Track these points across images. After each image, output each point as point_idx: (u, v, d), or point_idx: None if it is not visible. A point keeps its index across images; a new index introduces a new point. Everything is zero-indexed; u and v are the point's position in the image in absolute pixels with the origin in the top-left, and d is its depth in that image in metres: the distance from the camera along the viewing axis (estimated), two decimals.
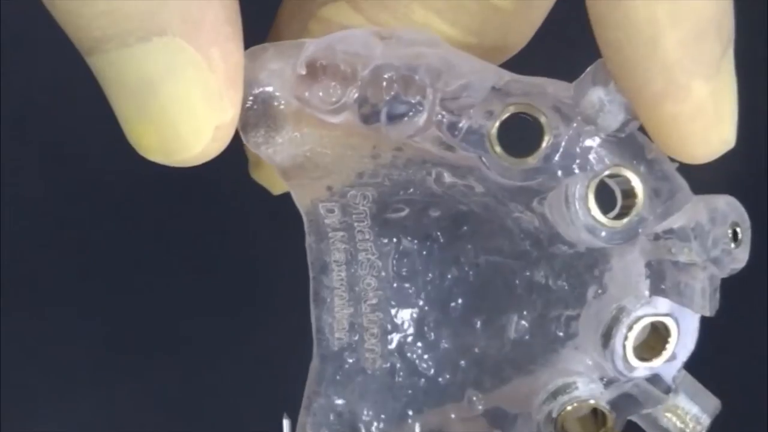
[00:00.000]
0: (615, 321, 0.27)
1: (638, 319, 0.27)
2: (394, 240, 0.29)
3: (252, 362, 0.55)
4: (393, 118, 0.27)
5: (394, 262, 0.29)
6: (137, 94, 0.25)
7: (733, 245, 0.27)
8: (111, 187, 0.55)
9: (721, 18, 0.25)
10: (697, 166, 0.27)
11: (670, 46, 0.24)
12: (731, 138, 0.26)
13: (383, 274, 0.29)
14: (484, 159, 0.27)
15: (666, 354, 0.27)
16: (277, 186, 0.33)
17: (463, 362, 0.30)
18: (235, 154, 0.50)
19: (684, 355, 0.28)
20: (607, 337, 0.27)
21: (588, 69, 0.27)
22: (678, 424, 0.29)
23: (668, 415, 0.29)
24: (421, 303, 0.30)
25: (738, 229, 0.27)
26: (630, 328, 0.27)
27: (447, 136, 0.27)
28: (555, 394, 0.28)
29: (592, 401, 0.28)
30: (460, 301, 0.30)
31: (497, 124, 0.26)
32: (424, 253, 0.30)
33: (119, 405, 0.56)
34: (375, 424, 0.30)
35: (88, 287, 0.55)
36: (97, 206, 0.55)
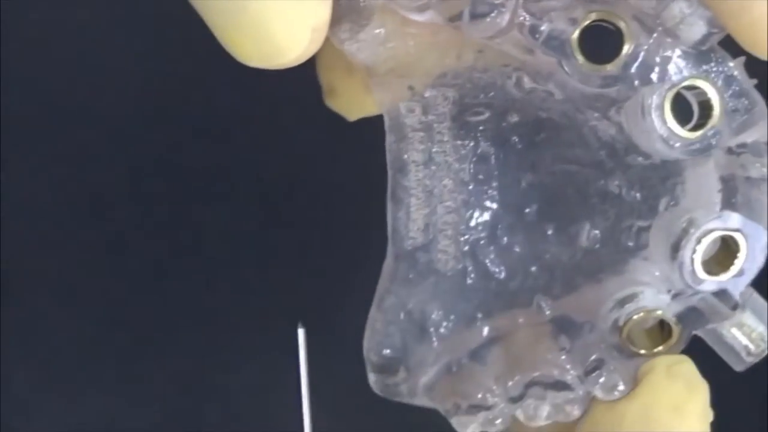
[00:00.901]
0: (684, 233, 0.27)
1: (708, 232, 0.27)
2: (472, 143, 0.30)
3: (252, 363, 0.54)
4: (475, 16, 0.27)
5: (472, 164, 0.30)
6: (229, 7, 0.25)
7: None
8: (111, 187, 0.54)
9: None
10: None
11: None
12: None
13: (460, 176, 0.30)
14: (564, 64, 0.27)
15: (734, 269, 0.27)
16: (353, 111, 0.33)
17: (534, 268, 0.30)
18: (235, 157, 0.50)
19: (752, 271, 0.28)
20: (675, 249, 0.27)
21: None
22: (743, 340, 0.29)
23: (734, 331, 0.29)
24: (495, 207, 0.30)
25: None
26: (699, 241, 0.27)
27: (528, 39, 0.27)
28: (622, 303, 0.28)
29: (658, 312, 0.28)
30: (534, 207, 0.30)
31: (579, 30, 0.26)
32: (501, 157, 0.30)
33: (119, 405, 0.55)
34: (444, 324, 0.30)
35: (88, 288, 0.55)
36: (96, 206, 0.55)
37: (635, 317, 0.28)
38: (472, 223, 0.30)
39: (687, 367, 0.28)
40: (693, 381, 0.27)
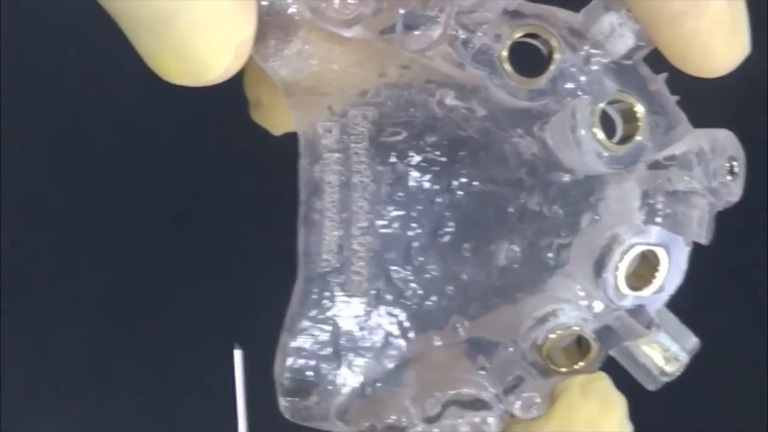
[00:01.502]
0: (608, 249, 0.28)
1: (631, 247, 0.27)
2: (390, 163, 0.30)
3: (252, 363, 0.54)
4: (409, 28, 0.27)
5: (388, 185, 0.30)
6: (155, 27, 0.25)
7: (729, 178, 0.28)
8: (111, 188, 0.55)
9: None
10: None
11: None
12: (746, 45, 0.27)
13: (376, 197, 0.29)
14: (492, 78, 0.27)
15: (655, 284, 0.28)
16: (277, 126, 0.33)
17: (449, 288, 0.30)
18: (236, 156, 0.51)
19: (671, 288, 0.28)
20: (599, 265, 0.28)
21: None
22: (656, 360, 0.29)
23: (647, 350, 0.29)
24: (411, 228, 0.30)
25: (734, 163, 0.28)
26: (622, 256, 0.27)
27: (459, 52, 0.27)
28: (541, 321, 0.28)
29: (576, 328, 0.28)
30: (450, 227, 0.30)
31: (508, 43, 0.27)
32: (418, 177, 0.30)
33: (119, 406, 0.55)
34: (356, 347, 0.30)
35: (88, 288, 0.55)
36: (97, 207, 0.55)
37: (553, 335, 0.28)
38: (387, 245, 0.30)
39: (602, 384, 0.28)
40: (608, 397, 0.27)
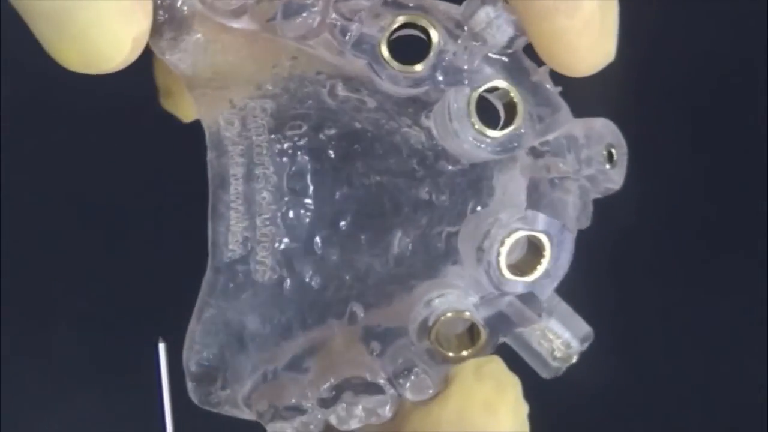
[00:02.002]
0: (488, 234, 0.28)
1: (511, 232, 0.28)
2: (290, 155, 0.30)
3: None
4: (287, 15, 0.28)
5: (289, 177, 0.30)
6: (55, 20, 0.27)
7: (608, 165, 0.28)
8: (111, 187, 0.56)
9: None
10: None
11: None
12: (613, 51, 0.27)
13: (278, 188, 0.30)
14: (373, 66, 0.28)
15: (539, 270, 0.28)
16: (187, 114, 0.34)
17: (347, 277, 0.30)
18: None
19: (558, 274, 0.28)
20: (481, 250, 0.28)
21: None
22: (548, 346, 0.29)
23: (539, 336, 0.29)
24: (311, 218, 0.30)
25: (613, 151, 0.29)
26: (503, 242, 0.28)
27: (338, 40, 0.28)
28: (429, 304, 0.29)
29: (466, 313, 0.28)
30: (348, 218, 0.30)
31: (387, 32, 0.27)
32: (318, 169, 0.30)
33: (119, 406, 0.56)
34: (261, 334, 0.31)
35: (88, 288, 0.56)
36: (97, 206, 0.56)
37: (443, 318, 0.28)
38: (289, 235, 0.30)
39: (495, 366, 0.28)
40: (502, 379, 0.27)
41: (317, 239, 0.30)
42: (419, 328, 0.28)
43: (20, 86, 0.55)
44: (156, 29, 0.29)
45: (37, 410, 0.56)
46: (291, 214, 0.30)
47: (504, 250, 0.27)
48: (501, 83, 0.27)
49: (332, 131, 0.30)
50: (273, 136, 0.30)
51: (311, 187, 0.30)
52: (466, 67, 0.28)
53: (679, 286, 0.56)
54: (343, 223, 0.30)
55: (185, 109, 0.34)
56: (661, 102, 0.54)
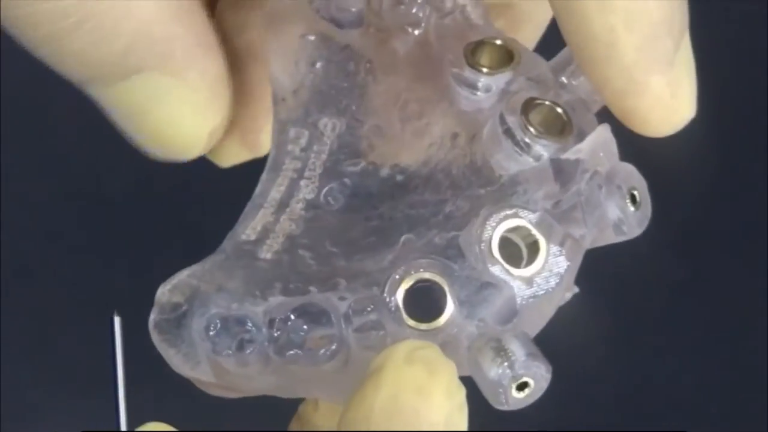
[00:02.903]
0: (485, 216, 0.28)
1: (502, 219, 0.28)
2: (335, 180, 0.31)
3: None
4: None
5: (327, 195, 0.31)
6: (131, 118, 0.28)
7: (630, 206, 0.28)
8: (111, 187, 0.56)
9: (673, 15, 0.27)
10: None
11: (627, 50, 0.26)
12: (690, 114, 0.28)
13: (314, 200, 0.31)
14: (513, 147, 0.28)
15: (530, 267, 0.28)
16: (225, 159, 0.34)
17: (342, 263, 0.30)
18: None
19: (543, 283, 0.28)
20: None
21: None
22: (495, 372, 0.28)
23: (490, 361, 0.28)
24: (332, 226, 0.31)
25: (635, 193, 0.28)
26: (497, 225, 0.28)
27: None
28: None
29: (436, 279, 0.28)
30: (363, 243, 0.30)
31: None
32: (353, 199, 0.31)
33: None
34: (237, 291, 0.30)
35: (88, 288, 0.56)
36: (97, 206, 0.56)
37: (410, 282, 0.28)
38: (304, 233, 0.31)
39: (427, 351, 0.27)
40: (434, 362, 0.27)
41: (329, 238, 0.31)
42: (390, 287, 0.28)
43: (20, 86, 0.55)
44: None
45: (37, 410, 0.56)
46: (314, 220, 0.31)
47: (495, 236, 0.27)
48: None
49: (386, 171, 0.31)
50: (332, 158, 0.31)
51: (340, 206, 0.31)
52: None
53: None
54: (354, 235, 0.31)
55: (223, 156, 0.34)
56: None
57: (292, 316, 0.28)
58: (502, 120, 0.28)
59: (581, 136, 0.28)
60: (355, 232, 0.30)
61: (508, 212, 0.27)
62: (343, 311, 0.28)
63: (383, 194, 0.31)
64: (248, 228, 0.31)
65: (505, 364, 0.27)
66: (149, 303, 0.55)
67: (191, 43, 0.28)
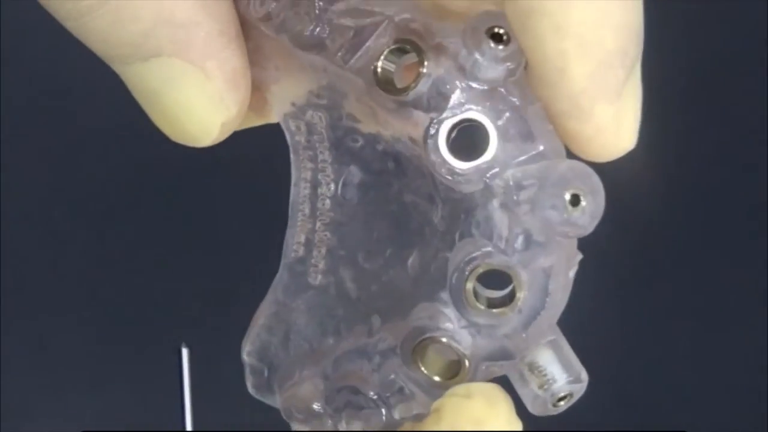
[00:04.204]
0: (459, 269, 0.28)
1: (477, 265, 0.28)
2: (346, 167, 0.31)
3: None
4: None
5: (344, 187, 0.31)
6: (149, 98, 0.29)
7: (569, 207, 0.28)
8: (111, 187, 0.56)
9: (627, 45, 0.27)
10: None
11: (577, 78, 0.26)
12: (631, 145, 0.28)
13: (335, 197, 0.31)
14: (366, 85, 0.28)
15: (511, 306, 0.28)
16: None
17: (374, 288, 0.31)
18: (236, 156, 0.51)
19: (531, 311, 0.28)
20: (455, 286, 0.28)
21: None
22: (537, 381, 0.29)
23: (528, 370, 0.29)
24: (359, 230, 0.31)
25: (579, 193, 0.27)
26: (471, 271, 0.28)
27: (340, 58, 0.28)
28: (417, 330, 0.29)
29: (444, 339, 0.29)
30: (385, 231, 0.31)
31: (383, 54, 0.28)
32: (365, 181, 0.31)
33: (119, 405, 0.56)
34: (304, 338, 0.32)
35: (88, 288, 0.56)
36: (97, 207, 0.57)
37: (430, 347, 0.29)
38: (339, 242, 0.32)
39: (486, 385, 0.28)
40: (492, 396, 0.28)
41: (359, 249, 0.32)
42: (407, 353, 0.29)
43: (20, 86, 0.55)
44: None
45: (37, 410, 0.56)
46: (344, 222, 0.32)
47: (470, 282, 0.28)
48: (475, 115, 0.27)
49: (380, 147, 0.31)
50: (333, 144, 0.31)
51: (361, 199, 0.31)
52: (447, 92, 0.27)
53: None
54: (381, 237, 0.31)
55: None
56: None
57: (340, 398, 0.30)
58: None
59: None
60: (378, 228, 0.31)
61: (478, 263, 0.28)
62: (376, 392, 0.30)
63: (390, 170, 0.31)
64: (295, 242, 0.32)
65: (545, 387, 0.28)
66: (149, 303, 0.55)
67: (213, 31, 0.28)
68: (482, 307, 0.28)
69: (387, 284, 0.31)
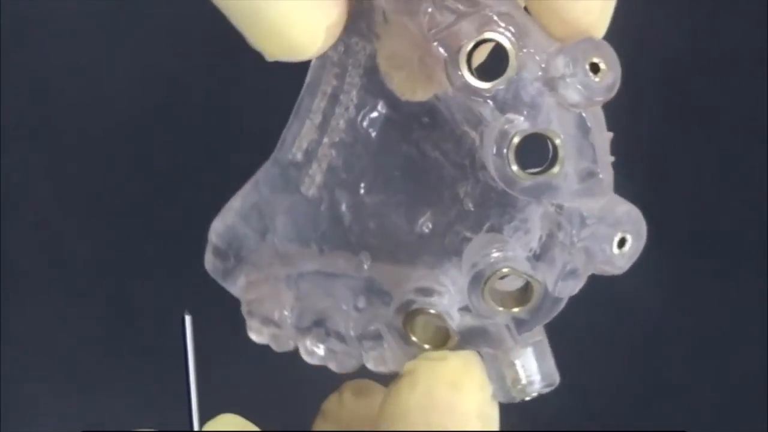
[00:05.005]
0: (485, 262, 0.29)
1: (499, 269, 0.29)
2: (374, 97, 0.31)
3: (253, 362, 0.55)
4: None
5: (365, 116, 0.32)
6: (251, 14, 0.28)
7: (616, 250, 0.29)
8: (111, 187, 0.56)
9: None
10: None
11: None
12: (601, 34, 0.28)
13: (353, 122, 0.31)
14: (449, 65, 0.28)
15: (521, 310, 0.29)
16: None
17: (372, 225, 0.32)
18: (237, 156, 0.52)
19: (536, 321, 0.30)
20: (476, 278, 0.29)
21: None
22: (512, 375, 0.30)
23: (508, 363, 0.30)
24: (368, 160, 0.32)
25: (627, 236, 0.29)
26: (492, 274, 0.29)
27: (426, 28, 0.28)
28: (418, 293, 0.30)
29: (432, 311, 0.29)
30: (398, 174, 0.32)
31: (472, 43, 0.28)
32: (392, 120, 0.31)
33: (119, 405, 0.56)
34: (280, 238, 0.32)
35: (88, 288, 0.56)
36: (97, 206, 0.57)
37: (420, 316, 0.29)
38: (344, 165, 0.32)
39: (461, 351, 0.29)
40: (467, 358, 0.28)
41: (364, 180, 0.32)
42: (397, 310, 0.30)
43: (20, 86, 0.55)
44: None
45: (38, 410, 0.56)
46: (354, 148, 0.32)
47: (491, 282, 0.28)
48: (548, 132, 0.28)
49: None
50: (367, 74, 0.31)
51: (380, 133, 0.31)
52: (528, 101, 0.28)
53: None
54: (390, 176, 0.32)
55: None
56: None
57: (314, 328, 0.31)
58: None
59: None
60: (389, 167, 0.32)
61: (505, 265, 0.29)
62: (353, 334, 0.31)
63: (422, 122, 0.31)
64: (295, 145, 0.32)
65: (518, 386, 0.30)
66: (149, 303, 0.55)
67: None
68: (499, 308, 0.29)
69: (386, 226, 0.31)
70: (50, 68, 0.56)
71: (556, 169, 0.28)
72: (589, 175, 0.28)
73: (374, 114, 0.31)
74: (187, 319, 0.34)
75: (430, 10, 0.28)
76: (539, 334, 0.30)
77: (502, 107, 0.28)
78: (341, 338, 0.31)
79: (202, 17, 0.51)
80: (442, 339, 0.29)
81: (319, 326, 0.31)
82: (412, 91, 0.31)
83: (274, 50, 0.28)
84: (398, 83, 0.31)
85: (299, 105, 0.32)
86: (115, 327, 0.57)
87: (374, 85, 0.31)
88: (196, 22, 0.52)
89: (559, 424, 0.56)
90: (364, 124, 0.31)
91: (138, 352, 0.58)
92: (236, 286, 0.33)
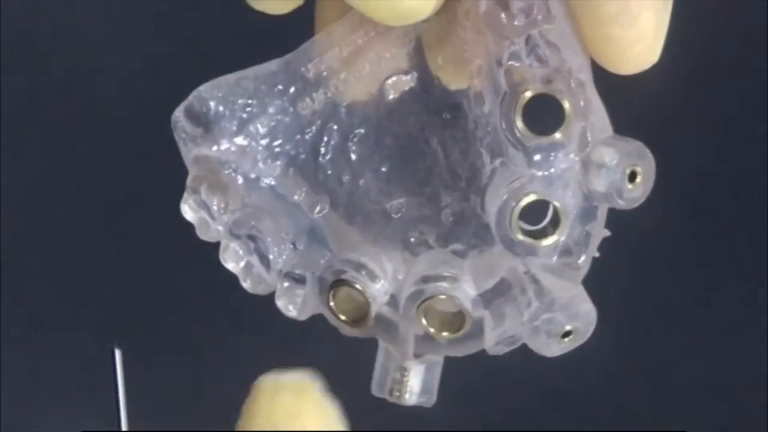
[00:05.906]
0: (433, 281, 0.29)
1: (439, 294, 0.29)
2: (410, 67, 0.31)
3: (253, 362, 0.55)
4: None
5: (391, 76, 0.31)
6: None
7: (558, 340, 0.29)
8: (111, 187, 0.56)
9: None
10: None
11: None
12: (654, 60, 0.29)
13: (377, 74, 0.31)
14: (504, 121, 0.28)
15: (550, 239, 0.28)
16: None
17: (345, 176, 0.31)
18: None
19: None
20: (415, 295, 0.29)
21: None
22: (396, 378, 0.31)
23: (397, 367, 0.31)
24: (373, 116, 0.31)
25: (573, 332, 0.29)
26: (431, 297, 0.29)
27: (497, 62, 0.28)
28: (356, 266, 0.30)
29: (369, 299, 0.29)
30: (393, 145, 0.31)
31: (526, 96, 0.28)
32: (415, 96, 0.31)
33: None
34: (253, 136, 0.31)
35: (88, 288, 0.56)
36: (97, 206, 0.57)
37: (347, 288, 0.29)
38: (347, 107, 0.31)
39: (294, 375, 0.29)
40: (300, 387, 0.28)
41: (360, 130, 0.31)
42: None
43: (20, 86, 0.55)
44: None
45: (38, 410, 0.56)
46: (367, 98, 0.31)
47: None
48: (555, 203, 0.28)
49: (442, 89, 0.31)
50: (418, 42, 0.31)
51: (398, 99, 0.31)
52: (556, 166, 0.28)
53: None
54: (385, 143, 0.31)
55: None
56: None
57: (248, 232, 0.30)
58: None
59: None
60: (387, 136, 0.31)
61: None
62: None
63: (435, 111, 0.31)
64: (313, 62, 0.31)
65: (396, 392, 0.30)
66: (149, 303, 0.55)
67: None
68: (430, 328, 0.29)
69: (358, 185, 0.31)
70: (50, 68, 0.56)
71: (550, 241, 0.28)
72: (569, 257, 0.29)
73: (402, 79, 0.31)
74: (117, 353, 0.34)
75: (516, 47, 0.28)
76: (439, 358, 0.30)
77: (530, 160, 0.28)
78: (266, 264, 0.30)
79: (202, 17, 0.51)
80: (360, 316, 0.29)
81: (251, 240, 0.30)
82: (452, 77, 0.31)
83: (388, 16, 0.28)
84: (442, 67, 0.30)
85: (335, 28, 0.31)
86: (115, 327, 0.57)
87: (418, 55, 0.31)
88: (197, 22, 0.52)
89: (560, 424, 0.56)
90: (388, 82, 0.31)
91: (138, 352, 0.58)
92: (191, 154, 0.31)
